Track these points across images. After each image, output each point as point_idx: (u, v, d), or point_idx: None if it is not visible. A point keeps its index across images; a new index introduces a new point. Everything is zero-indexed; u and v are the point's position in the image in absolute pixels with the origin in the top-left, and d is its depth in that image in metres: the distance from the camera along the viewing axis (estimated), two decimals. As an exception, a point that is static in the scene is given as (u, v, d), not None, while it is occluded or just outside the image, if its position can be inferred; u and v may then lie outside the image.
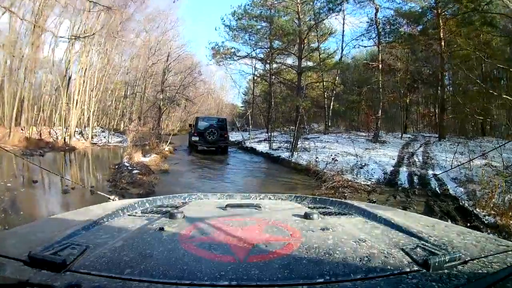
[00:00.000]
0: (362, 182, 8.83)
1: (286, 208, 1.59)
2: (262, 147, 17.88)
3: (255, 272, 0.82)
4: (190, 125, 18.52)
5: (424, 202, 7.17)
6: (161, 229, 1.10)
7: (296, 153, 13.97)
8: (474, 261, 0.88)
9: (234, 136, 25.47)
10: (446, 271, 0.83)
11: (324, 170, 10.22)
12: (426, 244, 0.99)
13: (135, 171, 8.97)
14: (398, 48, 18.91)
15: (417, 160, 12.23)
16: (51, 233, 1.08)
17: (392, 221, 1.23)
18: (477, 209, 6.08)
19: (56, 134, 17.97)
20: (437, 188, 8.15)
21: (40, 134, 17.43)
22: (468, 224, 5.53)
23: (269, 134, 17.95)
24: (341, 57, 20.28)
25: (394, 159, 12.31)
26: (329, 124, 21.63)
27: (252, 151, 17.84)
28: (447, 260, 0.85)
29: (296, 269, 0.83)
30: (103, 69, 21.78)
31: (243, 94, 40.85)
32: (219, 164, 13.73)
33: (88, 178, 8.83)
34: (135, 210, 1.54)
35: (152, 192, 7.05)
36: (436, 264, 0.84)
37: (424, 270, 0.83)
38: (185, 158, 14.56)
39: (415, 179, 9.36)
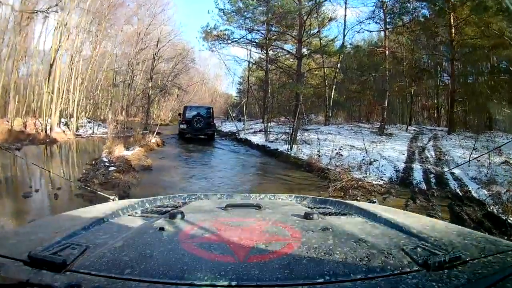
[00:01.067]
0: (374, 182, 8.13)
1: (286, 208, 1.57)
2: (258, 139, 17.09)
3: (255, 272, 0.83)
4: (179, 114, 19.59)
5: (447, 206, 6.57)
6: (161, 229, 1.10)
7: (296, 146, 13.19)
8: (474, 261, 0.89)
9: (227, 127, 25.08)
10: (446, 271, 0.83)
11: (328, 167, 9.51)
12: (426, 244, 0.99)
13: (111, 168, 7.83)
14: (405, 35, 17.58)
15: (429, 155, 11.61)
16: (51, 233, 1.09)
17: (392, 221, 1.23)
18: (510, 218, 5.50)
19: (42, 125, 17.53)
20: (457, 190, 7.59)
21: (25, 125, 17.00)
22: (506, 238, 4.68)
23: (265, 124, 17.10)
24: (343, 42, 19.53)
25: (404, 154, 11.74)
26: (330, 114, 20.29)
27: (247, 143, 17.04)
28: (447, 260, 0.86)
29: (296, 269, 0.84)
30: (90, 55, 21.20)
31: (238, 84, 40.31)
32: (209, 158, 13.09)
33: (58, 177, 7.62)
34: (135, 210, 1.55)
35: (127, 195, 6.31)
36: (436, 264, 0.84)
37: (424, 270, 0.84)
38: (173, 151, 13.93)
39: (431, 178, 8.74)
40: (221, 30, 21.13)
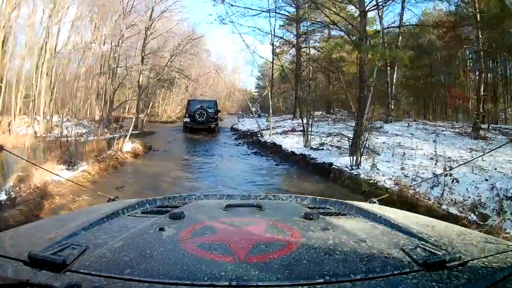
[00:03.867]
0: None
1: (286, 208, 1.70)
2: (292, 144, 12.73)
3: (255, 272, 0.87)
4: (186, 109, 20.58)
5: None
6: (161, 229, 1.19)
7: (363, 158, 8.85)
8: (474, 261, 0.95)
9: (246, 124, 21.53)
10: (446, 271, 0.89)
11: (446, 206, 5.97)
12: (426, 244, 1.06)
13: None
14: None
15: None
16: (51, 233, 1.17)
17: (392, 221, 1.30)
18: None
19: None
20: None
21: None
22: None
23: (304, 122, 12.40)
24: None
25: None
26: (392, 108, 15.39)
27: (276, 149, 12.61)
28: (447, 260, 0.92)
29: (296, 269, 0.90)
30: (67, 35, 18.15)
31: (256, 78, 40.47)
32: (213, 184, 8.28)
33: None
34: (135, 210, 1.64)
35: None
36: (436, 264, 0.90)
37: (424, 270, 0.89)
38: (153, 169, 9.58)
39: None
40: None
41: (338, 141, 11.21)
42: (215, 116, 19.20)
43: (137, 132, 17.44)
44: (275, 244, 1.03)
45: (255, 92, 43.65)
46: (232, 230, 1.19)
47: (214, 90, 37.74)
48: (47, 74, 17.42)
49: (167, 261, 0.92)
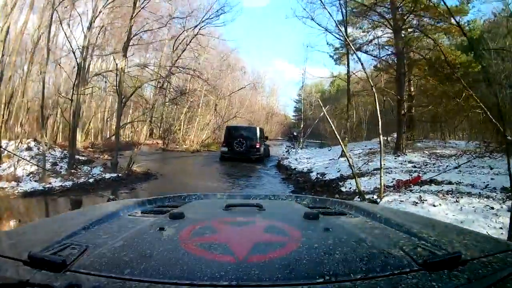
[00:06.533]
0: None
1: (286, 208, 1.77)
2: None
3: (255, 272, 0.93)
4: (224, 136, 20.43)
5: None
6: (161, 229, 1.28)
7: None
8: (474, 261, 1.00)
9: (303, 160, 17.31)
10: (446, 271, 0.93)
11: None
12: (426, 244, 1.13)
13: None
14: None
15: None
16: (51, 233, 1.25)
17: (392, 221, 1.38)
18: None
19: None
20: None
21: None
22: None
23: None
24: None
25: None
26: None
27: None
28: (447, 260, 0.97)
29: (296, 269, 0.95)
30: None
31: (295, 102, 41.17)
32: None
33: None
34: (135, 210, 1.73)
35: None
36: (436, 264, 0.95)
37: (424, 270, 0.94)
38: None
39: None
40: None
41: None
42: (257, 146, 18.11)
43: (114, 176, 11.53)
44: (275, 244, 1.09)
45: (293, 116, 44.96)
46: (232, 230, 1.26)
47: (250, 112, 36.90)
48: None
49: (167, 261, 0.98)
